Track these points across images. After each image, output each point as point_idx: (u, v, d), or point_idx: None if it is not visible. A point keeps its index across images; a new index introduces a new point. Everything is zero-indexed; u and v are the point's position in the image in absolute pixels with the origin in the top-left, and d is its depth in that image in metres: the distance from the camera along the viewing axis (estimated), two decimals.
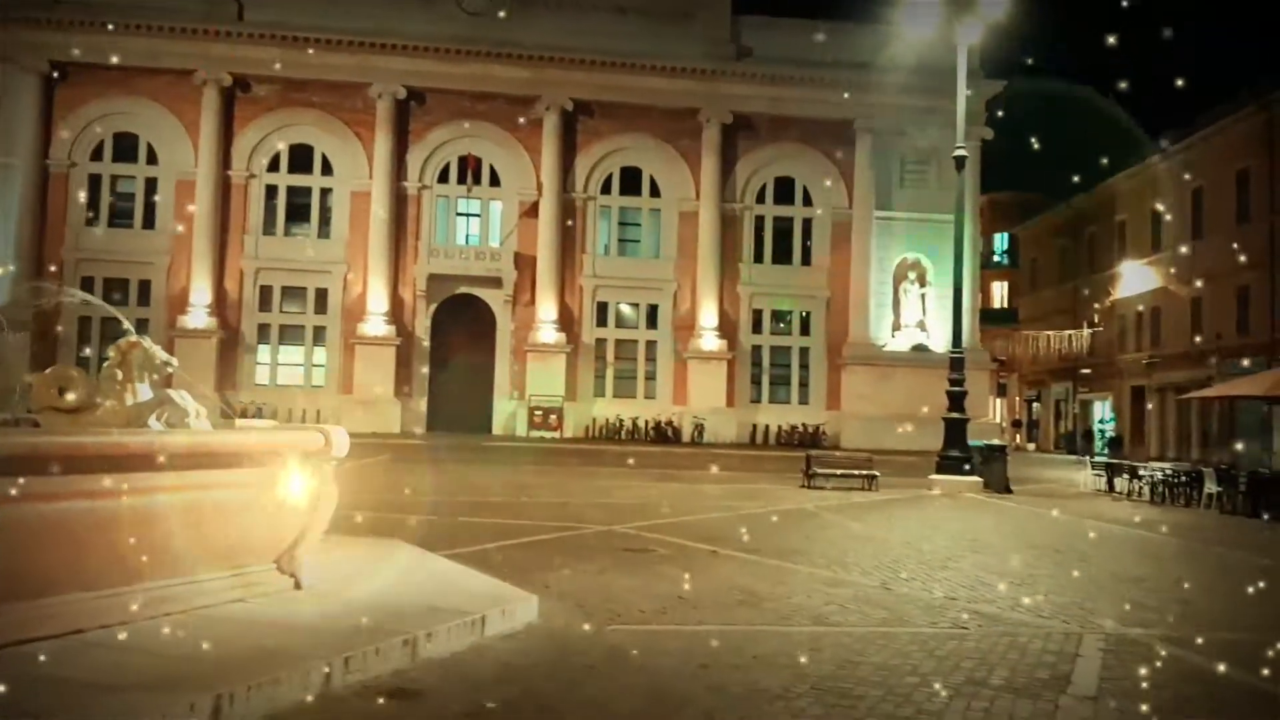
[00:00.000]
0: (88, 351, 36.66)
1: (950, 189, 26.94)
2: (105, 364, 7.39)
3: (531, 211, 41.92)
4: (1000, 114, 43.65)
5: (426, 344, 41.37)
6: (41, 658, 5.27)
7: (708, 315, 42.28)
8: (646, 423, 41.12)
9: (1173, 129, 42.65)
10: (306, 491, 7.27)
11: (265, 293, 41.25)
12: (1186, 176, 41.43)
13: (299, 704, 5.27)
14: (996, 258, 62.49)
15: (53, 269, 38.48)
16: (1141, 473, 22.89)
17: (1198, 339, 39.96)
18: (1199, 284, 40.28)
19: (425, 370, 41.08)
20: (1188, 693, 6.34)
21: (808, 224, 44.19)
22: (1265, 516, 18.18)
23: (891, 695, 5.90)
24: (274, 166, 41.52)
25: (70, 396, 7.09)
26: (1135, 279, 46.18)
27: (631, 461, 27.08)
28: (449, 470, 21.74)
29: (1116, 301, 47.91)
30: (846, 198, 43.64)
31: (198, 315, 39.57)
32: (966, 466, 21.89)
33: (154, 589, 6.24)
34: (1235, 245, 37.81)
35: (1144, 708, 5.87)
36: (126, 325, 8.37)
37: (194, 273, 39.87)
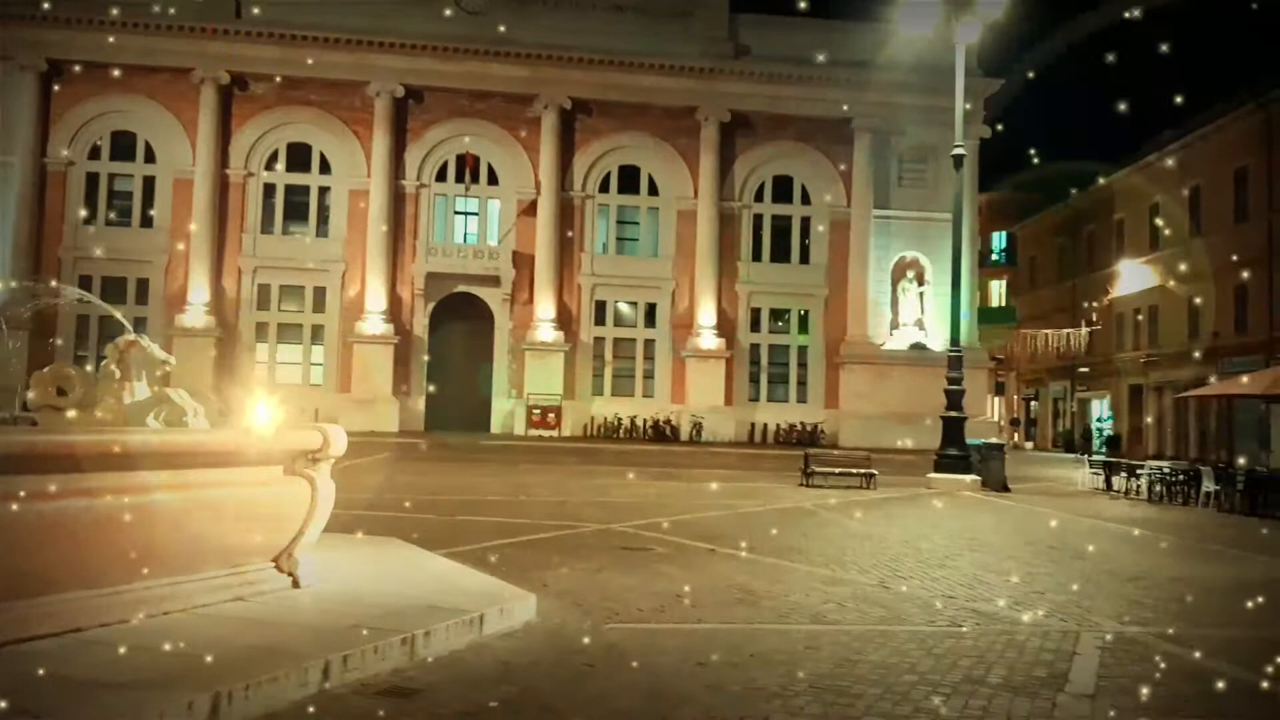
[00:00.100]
0: (86, 350, 36.70)
1: (948, 187, 26.94)
2: (103, 363, 7.40)
3: (530, 210, 41.91)
4: (998, 112, 43.70)
5: (425, 343, 41.34)
6: (40, 656, 5.27)
7: (706, 314, 42.28)
8: (645, 421, 41.12)
9: (1171, 127, 42.67)
10: (304, 490, 7.28)
11: (263, 291, 41.22)
12: (1185, 175, 41.45)
13: (297, 702, 5.27)
14: (995, 256, 62.42)
15: (50, 270, 38.44)
16: (1139, 471, 22.91)
17: (1195, 338, 40.00)
18: (1197, 282, 40.30)
19: (424, 369, 41.06)
20: (1185, 691, 6.35)
21: (806, 223, 44.20)
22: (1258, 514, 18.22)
23: (890, 693, 5.91)
24: (272, 165, 41.48)
25: (68, 395, 7.09)
26: (1133, 278, 46.20)
27: (629, 460, 27.08)
28: (447, 469, 21.74)
29: (1115, 300, 47.94)
30: (845, 196, 43.64)
31: (195, 314, 39.54)
32: (964, 465, 21.93)
33: (152, 587, 6.25)
34: (1233, 244, 37.86)
35: (1141, 706, 5.88)
36: (125, 324, 8.36)
37: (192, 271, 39.83)
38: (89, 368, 7.81)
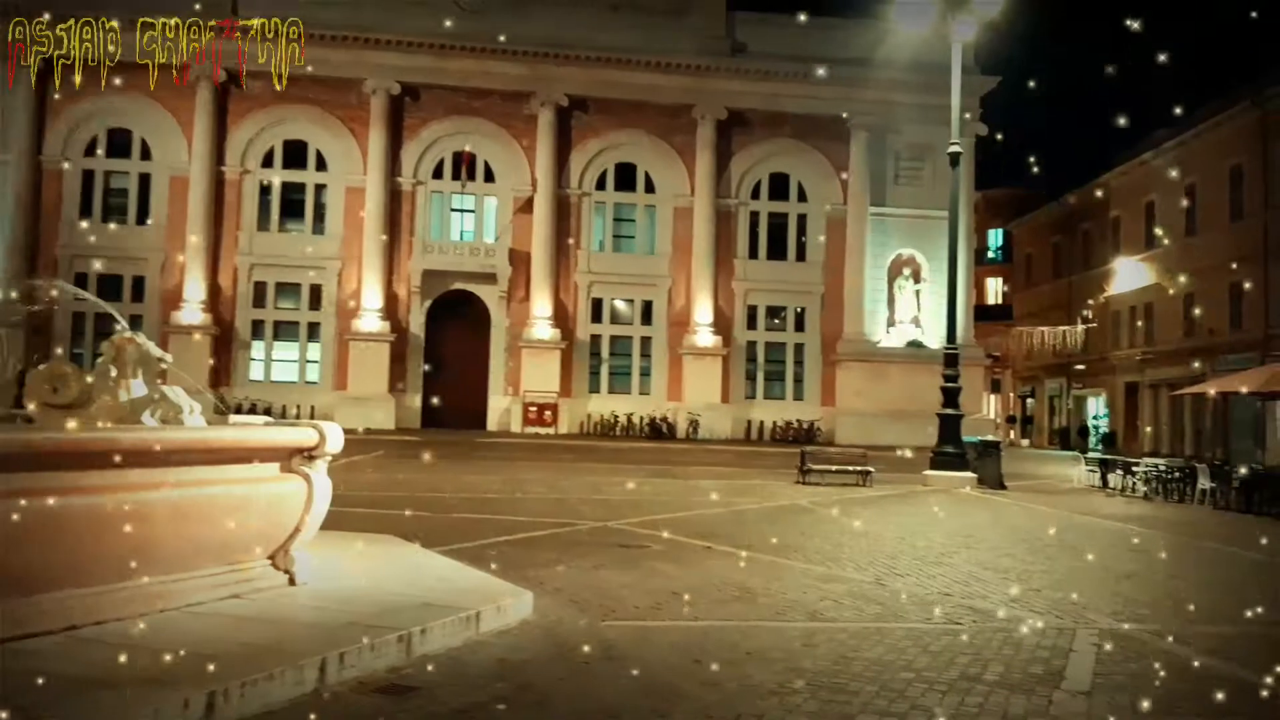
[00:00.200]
0: (82, 348, 36.62)
1: (945, 185, 26.91)
2: (99, 360, 7.39)
3: (526, 207, 41.88)
4: (995, 110, 43.72)
5: (421, 340, 41.31)
6: (36, 654, 5.26)
7: (702, 311, 42.29)
8: (641, 419, 41.12)
9: (1167, 125, 42.70)
10: (300, 488, 7.28)
11: (259, 288, 41.16)
12: (1180, 173, 41.48)
13: (294, 700, 5.27)
14: (991, 254, 62.56)
15: (46, 267, 38.36)
16: (1135, 469, 22.97)
17: (1190, 335, 40.06)
18: (1192, 280, 40.36)
19: (420, 366, 41.04)
20: (1181, 687, 6.37)
21: (802, 220, 44.20)
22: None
23: (886, 691, 5.92)
24: (268, 162, 41.41)
25: (64, 393, 7.08)
26: (1129, 275, 46.26)
27: (626, 458, 27.09)
28: (443, 466, 21.73)
29: (1110, 297, 47.99)
30: (841, 194, 43.66)
31: (191, 311, 39.48)
32: (961, 463, 21.96)
33: (148, 585, 6.24)
34: (1229, 242, 37.90)
35: (1137, 702, 5.89)
36: (120, 321, 8.35)
37: (188, 269, 39.75)
38: (85, 365, 7.79)
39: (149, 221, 40.61)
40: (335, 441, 7.51)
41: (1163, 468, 22.53)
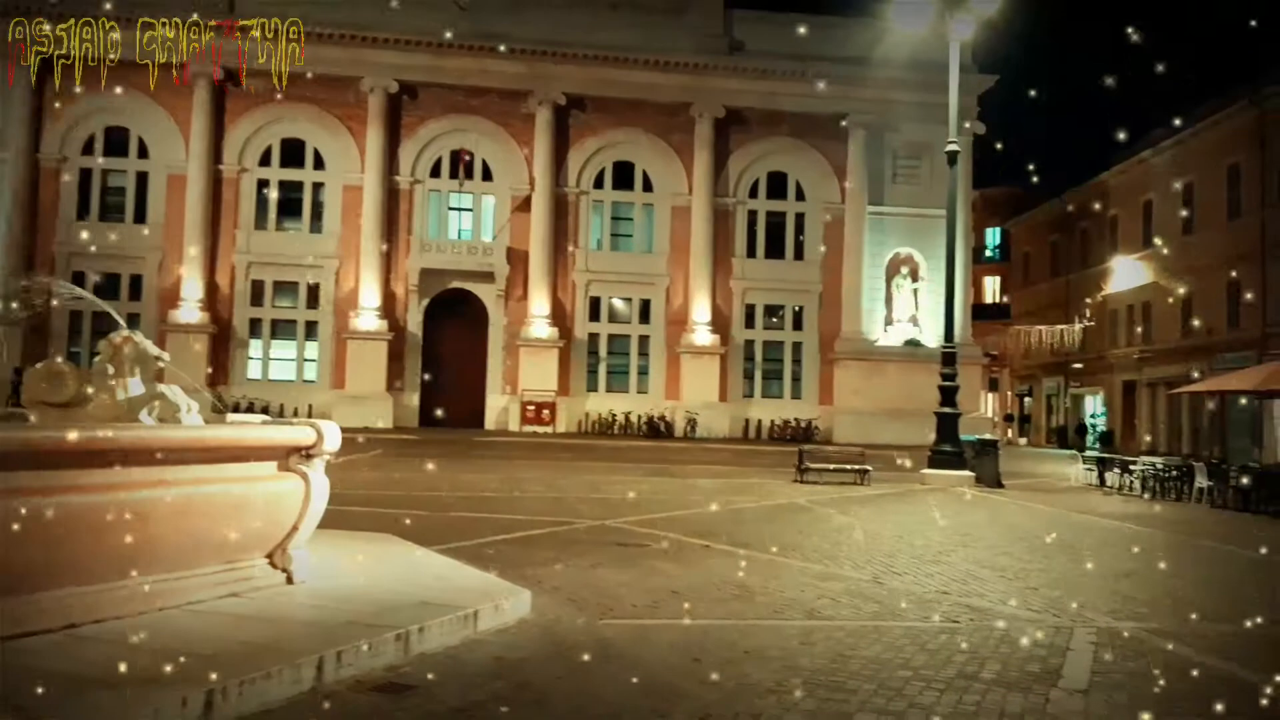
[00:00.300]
0: (79, 346, 36.58)
1: (942, 184, 26.93)
2: (97, 359, 7.38)
3: (524, 206, 41.87)
4: (993, 109, 43.71)
5: (419, 339, 41.29)
6: (35, 652, 5.26)
7: (700, 310, 42.29)
8: (639, 418, 41.13)
9: (1164, 124, 42.71)
10: (298, 486, 7.27)
11: (257, 287, 41.12)
12: (1178, 172, 41.51)
13: (292, 699, 5.28)
14: (988, 253, 62.59)
15: (44, 266, 38.30)
16: (1133, 467, 22.99)
17: (1188, 334, 40.09)
18: (1190, 279, 40.39)
19: (417, 365, 41.02)
20: (1178, 686, 6.37)
21: (800, 219, 44.21)
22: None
23: (884, 689, 5.93)
24: (265, 161, 41.36)
25: (62, 391, 7.08)
26: (1126, 274, 46.27)
27: (624, 456, 27.09)
28: (441, 465, 21.72)
29: (1108, 296, 48.02)
30: (839, 192, 43.67)
31: (189, 310, 39.43)
32: (959, 461, 21.97)
33: (147, 583, 6.24)
34: (1226, 240, 37.91)
35: (1134, 701, 5.90)
36: (118, 320, 8.34)
37: (185, 267, 39.69)
38: (83, 364, 7.78)
39: (147, 220, 40.54)
40: (333, 440, 7.51)
41: (1160, 466, 22.54)
